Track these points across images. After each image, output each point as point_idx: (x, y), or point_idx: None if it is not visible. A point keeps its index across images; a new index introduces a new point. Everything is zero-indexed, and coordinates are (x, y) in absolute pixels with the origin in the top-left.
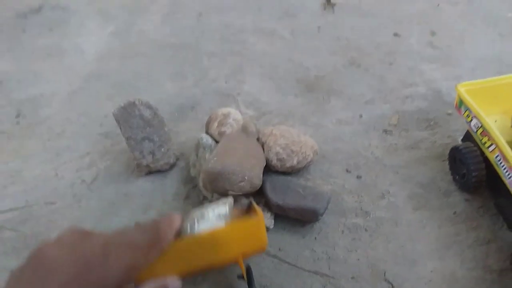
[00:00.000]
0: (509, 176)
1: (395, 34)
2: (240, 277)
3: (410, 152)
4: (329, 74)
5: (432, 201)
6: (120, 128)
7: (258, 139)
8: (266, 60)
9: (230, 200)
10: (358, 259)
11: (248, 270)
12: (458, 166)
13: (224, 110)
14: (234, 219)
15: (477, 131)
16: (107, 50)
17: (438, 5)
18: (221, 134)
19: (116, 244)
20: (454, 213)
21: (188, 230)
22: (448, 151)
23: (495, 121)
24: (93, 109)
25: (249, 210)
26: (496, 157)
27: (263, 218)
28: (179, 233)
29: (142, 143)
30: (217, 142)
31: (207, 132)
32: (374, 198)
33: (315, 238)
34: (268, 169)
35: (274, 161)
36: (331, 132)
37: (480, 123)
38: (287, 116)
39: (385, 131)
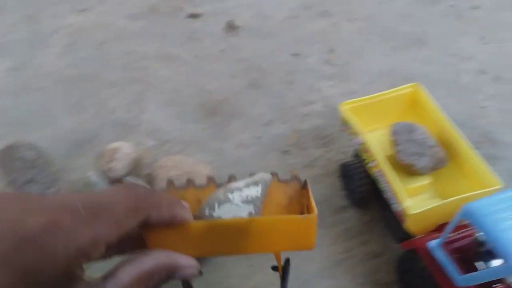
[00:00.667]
0: (387, 191)
1: (295, 54)
2: (275, 269)
3: (307, 171)
4: (230, 97)
5: (326, 219)
6: (2, 173)
7: (149, 173)
8: (169, 86)
9: (265, 177)
10: (254, 287)
11: (286, 264)
12: (347, 182)
13: (114, 144)
14: (278, 205)
15: (358, 147)
16: (2, 88)
17: (336, 23)
18: (110, 170)
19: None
20: (346, 229)
21: (207, 214)
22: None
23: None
24: None
25: (303, 189)
26: (376, 172)
27: (316, 219)
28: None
29: (26, 186)
30: (108, 177)
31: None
32: None
33: (210, 268)
34: None
35: None
36: (231, 156)
37: (361, 140)
38: (188, 144)
39: (284, 151)
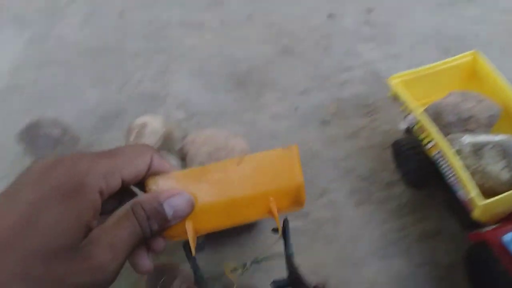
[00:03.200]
0: (450, 176)
1: (329, 15)
2: (275, 230)
3: (350, 142)
4: (261, 65)
5: (375, 195)
6: (27, 150)
7: (181, 148)
8: (195, 56)
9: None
10: (299, 265)
11: (285, 223)
12: (402, 162)
13: (140, 120)
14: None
15: (414, 126)
16: (23, 61)
17: None
18: None
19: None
20: (399, 205)
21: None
22: (388, 138)
23: None
24: (9, 127)
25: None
26: (436, 154)
27: (298, 151)
28: None
29: None
30: None
31: None
32: (313, 196)
33: (253, 245)
34: None
35: None
36: (266, 128)
37: (417, 118)
38: (219, 115)
39: (323, 122)
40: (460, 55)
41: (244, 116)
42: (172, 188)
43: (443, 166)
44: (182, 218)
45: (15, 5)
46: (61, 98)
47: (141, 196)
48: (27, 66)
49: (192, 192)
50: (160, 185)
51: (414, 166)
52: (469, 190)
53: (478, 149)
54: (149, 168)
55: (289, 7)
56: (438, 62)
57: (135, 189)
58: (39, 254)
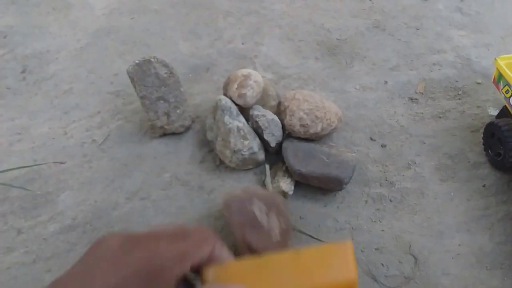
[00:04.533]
0: None
1: None
2: None
3: (437, 121)
4: (351, 37)
5: (460, 173)
6: (135, 87)
7: (279, 104)
8: (285, 21)
9: None
10: (383, 230)
11: None
12: (495, 144)
13: (244, 71)
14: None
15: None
16: (117, 5)
17: None
18: (241, 96)
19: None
20: (484, 186)
21: None
22: (477, 122)
23: None
24: (103, 67)
25: None
26: None
27: (352, 247)
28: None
29: (157, 103)
30: (236, 104)
31: (225, 94)
32: (400, 168)
33: (338, 207)
34: (290, 134)
35: (297, 127)
36: (354, 98)
37: None
38: (307, 81)
39: (411, 99)
40: None
41: (333, 83)
42: (229, 281)
43: None
44: None
45: None
46: (153, 45)
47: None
48: (122, 10)
49: (248, 286)
50: (217, 277)
51: (510, 147)
52: None
53: None
54: (209, 255)
55: None
56: None
57: (189, 275)
58: None
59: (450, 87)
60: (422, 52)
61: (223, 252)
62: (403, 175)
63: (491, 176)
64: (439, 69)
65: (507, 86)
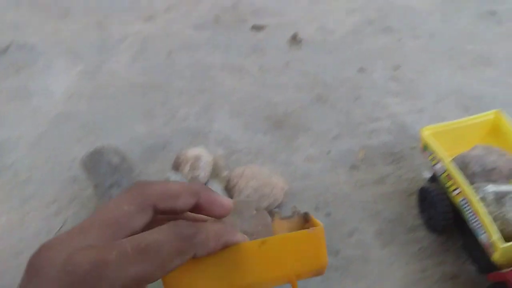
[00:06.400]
0: (473, 221)
1: (360, 69)
2: None
3: (377, 187)
4: (296, 110)
5: (399, 237)
6: (88, 176)
7: (229, 180)
8: (235, 97)
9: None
10: None
11: None
12: (427, 207)
13: (194, 151)
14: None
15: (441, 174)
16: (76, 91)
17: (400, 39)
18: (194, 178)
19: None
20: (420, 248)
21: None
22: (413, 185)
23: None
24: (61, 153)
25: (306, 223)
26: (461, 201)
27: (323, 232)
28: None
29: (110, 190)
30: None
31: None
32: (344, 235)
33: None
34: None
35: None
36: (300, 169)
37: (445, 167)
38: (257, 155)
39: (353, 166)
40: (484, 113)
41: (280, 156)
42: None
43: (468, 212)
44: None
45: (70, 39)
46: (111, 128)
47: None
48: (80, 96)
49: (207, 277)
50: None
51: (440, 211)
52: (491, 234)
53: (500, 198)
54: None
55: (323, 59)
56: (464, 118)
57: None
58: None
59: (388, 153)
60: (361, 121)
61: (217, 197)
62: (347, 243)
63: (426, 238)
64: (377, 136)
65: (432, 154)
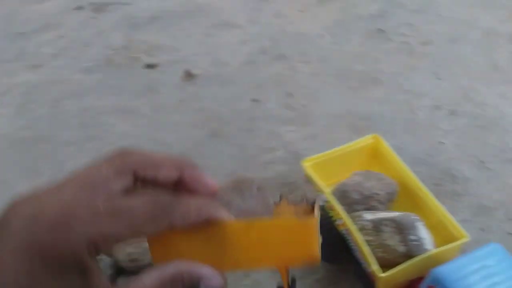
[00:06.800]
0: (356, 250)
1: (254, 100)
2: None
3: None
4: (191, 149)
5: (294, 270)
6: None
7: None
8: (127, 142)
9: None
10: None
11: (293, 283)
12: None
13: None
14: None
15: (325, 204)
16: None
17: (292, 66)
18: None
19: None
20: (316, 280)
21: None
22: None
23: None
24: None
25: (312, 211)
26: (344, 230)
27: (317, 223)
28: None
29: None
30: None
31: None
32: (238, 278)
33: None
34: (121, 271)
35: (126, 262)
36: None
37: (326, 198)
38: None
39: None
40: (363, 138)
41: None
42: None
43: (350, 242)
44: None
45: None
46: None
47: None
48: None
49: (193, 251)
50: (157, 248)
51: (327, 242)
52: (370, 263)
53: (378, 225)
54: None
55: (218, 93)
56: (344, 145)
57: None
58: None
59: (283, 183)
60: (256, 154)
61: (201, 174)
62: (242, 285)
63: (322, 269)
64: (272, 168)
65: (314, 186)
